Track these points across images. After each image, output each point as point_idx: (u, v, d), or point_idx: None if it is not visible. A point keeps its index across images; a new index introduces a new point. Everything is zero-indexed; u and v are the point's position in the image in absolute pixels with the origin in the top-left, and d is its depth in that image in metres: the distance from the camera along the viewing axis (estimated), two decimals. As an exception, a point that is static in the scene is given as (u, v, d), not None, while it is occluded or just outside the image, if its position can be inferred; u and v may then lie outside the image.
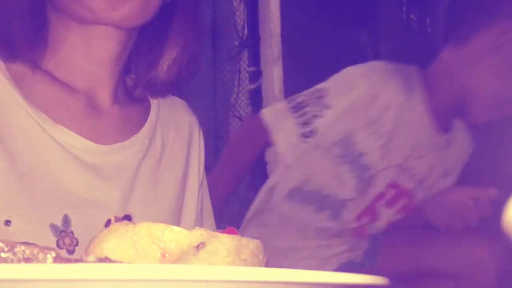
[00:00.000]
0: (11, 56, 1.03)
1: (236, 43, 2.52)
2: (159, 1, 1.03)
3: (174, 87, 1.16)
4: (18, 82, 1.03)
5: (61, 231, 0.99)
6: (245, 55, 2.52)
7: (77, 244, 1.00)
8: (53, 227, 0.99)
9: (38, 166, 1.00)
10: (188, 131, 1.19)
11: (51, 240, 0.98)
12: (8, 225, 0.96)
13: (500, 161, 1.58)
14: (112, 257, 0.60)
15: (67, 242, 0.99)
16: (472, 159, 2.16)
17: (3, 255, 0.53)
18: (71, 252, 0.99)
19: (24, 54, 1.03)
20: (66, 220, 1.00)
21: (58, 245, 0.98)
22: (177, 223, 1.12)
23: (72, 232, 1.00)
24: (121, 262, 0.59)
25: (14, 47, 1.03)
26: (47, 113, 1.03)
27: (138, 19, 1.02)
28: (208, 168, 1.27)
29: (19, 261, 0.53)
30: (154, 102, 1.17)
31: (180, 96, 1.26)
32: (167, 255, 0.61)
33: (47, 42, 1.05)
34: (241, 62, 2.53)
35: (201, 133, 1.22)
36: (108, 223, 1.02)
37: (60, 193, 1.01)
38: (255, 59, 2.50)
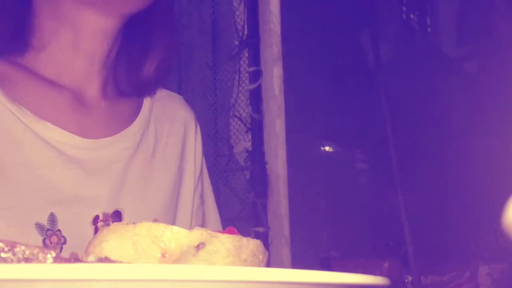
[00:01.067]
0: None
1: (236, 43, 2.51)
2: None
3: (158, 86, 1.16)
4: None
5: (48, 230, 0.98)
6: (245, 55, 2.52)
7: (65, 242, 0.99)
8: (39, 226, 0.97)
9: (22, 164, 0.99)
10: (183, 125, 1.18)
11: (37, 239, 0.97)
12: None
13: (499, 160, 1.57)
14: (112, 257, 0.60)
15: (54, 241, 0.98)
16: (473, 159, 2.16)
17: (3, 255, 0.53)
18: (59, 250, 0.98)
19: (1, 51, 1.03)
20: (52, 218, 0.98)
21: (44, 244, 0.97)
22: (173, 218, 1.11)
23: (59, 231, 0.98)
24: (121, 262, 0.59)
25: None
26: (31, 109, 1.02)
27: (143, 2, 1.02)
28: (208, 168, 1.26)
29: (19, 261, 0.53)
30: (147, 97, 1.16)
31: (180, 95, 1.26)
32: (167, 255, 0.61)
33: (27, 39, 1.04)
34: (241, 62, 2.52)
35: (198, 128, 1.21)
36: (96, 219, 1.02)
37: (45, 191, 0.99)
38: (255, 59, 2.50)
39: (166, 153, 1.14)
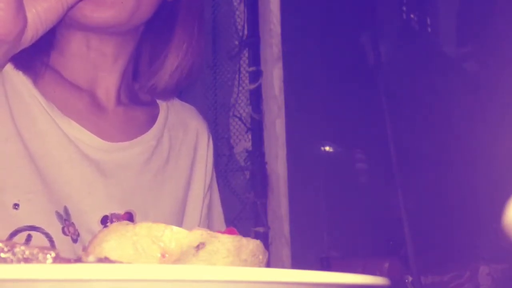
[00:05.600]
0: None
1: (236, 43, 2.51)
2: (149, 8, 1.05)
3: (176, 91, 1.18)
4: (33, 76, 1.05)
5: (65, 220, 1.01)
6: (245, 55, 2.52)
7: (79, 235, 1.02)
8: (58, 214, 1.01)
9: (44, 155, 1.03)
10: (195, 135, 1.21)
11: (57, 226, 1.00)
12: (16, 209, 0.98)
13: (500, 160, 1.57)
14: (112, 257, 0.60)
15: (71, 231, 1.02)
16: (473, 159, 2.16)
17: (3, 255, 0.53)
18: (75, 240, 1.02)
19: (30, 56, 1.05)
20: (66, 211, 1.02)
21: (63, 232, 1.01)
22: (179, 224, 1.13)
23: (73, 223, 1.02)
24: (121, 262, 0.59)
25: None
26: (56, 105, 1.06)
27: (121, 24, 1.03)
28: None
29: (19, 261, 0.53)
30: (163, 106, 1.19)
31: (180, 96, 1.27)
32: (167, 255, 0.61)
33: (51, 44, 1.08)
34: (241, 62, 2.52)
35: (211, 139, 1.23)
36: (105, 219, 1.05)
37: (62, 185, 1.03)
38: (255, 59, 2.50)
39: (179, 161, 1.17)
